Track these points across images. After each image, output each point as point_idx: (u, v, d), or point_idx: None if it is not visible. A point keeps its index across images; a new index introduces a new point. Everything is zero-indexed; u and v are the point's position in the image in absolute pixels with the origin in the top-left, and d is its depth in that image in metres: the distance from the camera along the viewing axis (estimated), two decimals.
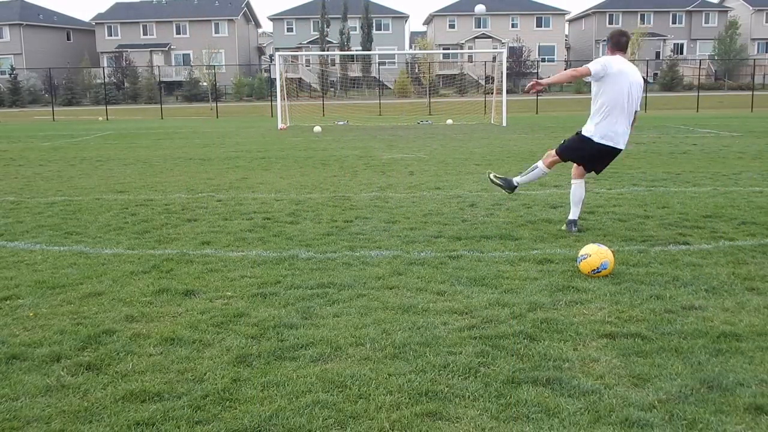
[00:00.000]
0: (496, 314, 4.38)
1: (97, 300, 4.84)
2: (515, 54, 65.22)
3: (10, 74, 64.18)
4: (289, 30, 73.64)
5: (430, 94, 51.45)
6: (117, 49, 70.31)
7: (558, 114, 40.67)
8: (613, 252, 5.42)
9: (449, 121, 32.34)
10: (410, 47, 77.64)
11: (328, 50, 66.84)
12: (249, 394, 3.30)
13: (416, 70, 69.30)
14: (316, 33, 70.54)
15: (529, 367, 3.57)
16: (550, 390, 3.31)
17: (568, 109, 45.80)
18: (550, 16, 74.19)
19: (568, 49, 78.37)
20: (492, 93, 37.98)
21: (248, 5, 77.35)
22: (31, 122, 40.87)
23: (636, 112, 6.73)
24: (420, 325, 4.21)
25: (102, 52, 72.22)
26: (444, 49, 70.88)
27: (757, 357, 3.67)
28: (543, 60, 68.23)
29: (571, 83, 64.37)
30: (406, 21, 75.65)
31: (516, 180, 7.26)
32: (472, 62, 67.74)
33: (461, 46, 71.43)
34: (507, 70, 32.52)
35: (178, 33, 73.02)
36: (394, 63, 69.79)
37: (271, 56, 69.00)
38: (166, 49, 72.25)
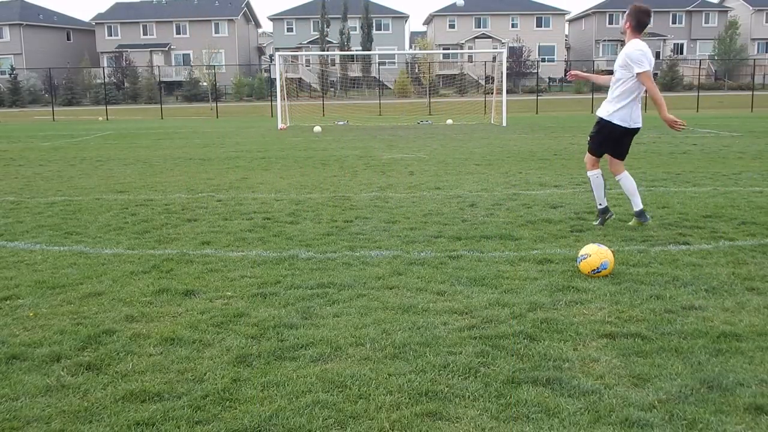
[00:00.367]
0: (496, 314, 4.38)
1: (97, 300, 4.84)
2: (515, 54, 65.23)
3: (10, 74, 64.20)
4: (289, 30, 73.65)
5: (430, 94, 51.47)
6: (117, 49, 70.33)
7: (558, 114, 40.68)
8: (613, 252, 5.42)
9: (449, 121, 32.35)
10: (410, 47, 77.66)
11: (328, 50, 66.85)
12: (249, 394, 3.30)
13: (416, 70, 69.32)
14: (316, 33, 70.55)
15: (529, 367, 3.56)
16: (550, 390, 3.30)
17: (568, 109, 45.81)
18: (550, 16, 74.19)
19: (568, 49, 78.38)
20: (492, 93, 37.99)
21: (248, 5, 77.37)
22: (31, 122, 40.87)
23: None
24: (420, 325, 4.21)
25: (102, 52, 72.23)
26: (444, 49, 70.89)
27: (757, 357, 3.67)
28: (543, 60, 68.25)
29: (571, 82, 64.41)
30: (406, 21, 75.67)
31: (599, 205, 7.16)
32: (472, 62, 67.75)
33: (461, 46, 71.44)
34: (507, 70, 32.54)
35: (178, 33, 73.04)
36: (394, 63, 69.81)
37: (271, 56, 69.01)
38: (166, 49, 72.27)
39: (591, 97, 45.74)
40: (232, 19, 72.80)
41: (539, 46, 72.07)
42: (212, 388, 3.36)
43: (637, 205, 7.06)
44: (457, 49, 71.07)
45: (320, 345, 3.90)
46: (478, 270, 5.43)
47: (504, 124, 29.11)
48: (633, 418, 3.00)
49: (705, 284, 4.96)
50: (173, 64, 71.24)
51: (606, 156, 7.15)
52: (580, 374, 3.47)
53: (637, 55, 6.56)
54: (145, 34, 73.16)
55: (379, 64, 63.88)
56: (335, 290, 4.97)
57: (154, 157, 16.15)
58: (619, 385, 3.35)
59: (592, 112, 41.06)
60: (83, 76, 64.78)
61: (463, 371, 3.51)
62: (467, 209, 8.28)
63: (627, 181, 7.06)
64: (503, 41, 67.98)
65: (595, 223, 7.16)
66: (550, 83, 68.76)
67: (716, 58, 68.99)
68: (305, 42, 71.72)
